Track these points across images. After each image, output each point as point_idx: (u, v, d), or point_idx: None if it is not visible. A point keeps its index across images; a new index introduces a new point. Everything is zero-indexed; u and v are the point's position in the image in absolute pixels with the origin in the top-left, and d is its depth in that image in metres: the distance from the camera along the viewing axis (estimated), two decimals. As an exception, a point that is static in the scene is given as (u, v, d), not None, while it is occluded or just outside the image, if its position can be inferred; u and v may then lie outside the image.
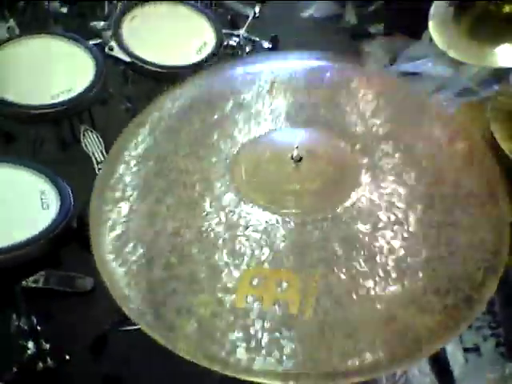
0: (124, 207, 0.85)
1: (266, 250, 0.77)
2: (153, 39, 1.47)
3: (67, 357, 1.41)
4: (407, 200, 0.82)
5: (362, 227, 0.79)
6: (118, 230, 0.82)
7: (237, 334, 0.70)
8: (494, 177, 0.87)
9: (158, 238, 0.80)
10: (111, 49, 1.40)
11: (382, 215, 0.80)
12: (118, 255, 0.79)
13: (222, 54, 1.54)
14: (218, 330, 0.71)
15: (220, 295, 0.73)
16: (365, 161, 0.87)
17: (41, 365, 1.37)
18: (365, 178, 0.84)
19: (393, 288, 0.74)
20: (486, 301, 0.75)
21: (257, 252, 0.77)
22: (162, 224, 0.82)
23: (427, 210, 0.82)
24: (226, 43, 1.62)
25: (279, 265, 0.76)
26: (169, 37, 1.49)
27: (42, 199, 1.09)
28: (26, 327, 1.34)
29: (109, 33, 1.46)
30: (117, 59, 1.42)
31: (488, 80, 1.70)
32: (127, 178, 0.88)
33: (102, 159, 1.28)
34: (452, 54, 1.52)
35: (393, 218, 0.80)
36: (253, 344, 0.70)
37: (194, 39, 1.50)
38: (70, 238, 1.08)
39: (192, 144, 0.91)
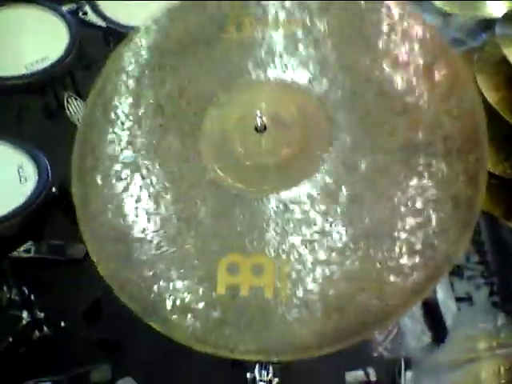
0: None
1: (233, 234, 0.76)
2: (129, 2, 1.41)
3: (63, 324, 1.43)
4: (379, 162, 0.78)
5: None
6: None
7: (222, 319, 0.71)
8: (475, 115, 0.76)
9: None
10: (85, 13, 1.37)
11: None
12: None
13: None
14: (207, 319, 0.72)
15: (201, 285, 0.73)
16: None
17: (37, 333, 1.39)
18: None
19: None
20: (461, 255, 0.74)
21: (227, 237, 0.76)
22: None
23: (400, 168, 0.76)
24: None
25: (249, 249, 0.75)
26: (145, -1, 1.45)
27: (19, 173, 1.09)
28: (17, 298, 1.36)
29: (84, -3, 1.43)
30: (93, 25, 1.39)
31: (475, 30, 1.67)
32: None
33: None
34: (440, 4, 1.48)
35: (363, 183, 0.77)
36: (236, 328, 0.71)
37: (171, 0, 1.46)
38: (49, 210, 1.08)
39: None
